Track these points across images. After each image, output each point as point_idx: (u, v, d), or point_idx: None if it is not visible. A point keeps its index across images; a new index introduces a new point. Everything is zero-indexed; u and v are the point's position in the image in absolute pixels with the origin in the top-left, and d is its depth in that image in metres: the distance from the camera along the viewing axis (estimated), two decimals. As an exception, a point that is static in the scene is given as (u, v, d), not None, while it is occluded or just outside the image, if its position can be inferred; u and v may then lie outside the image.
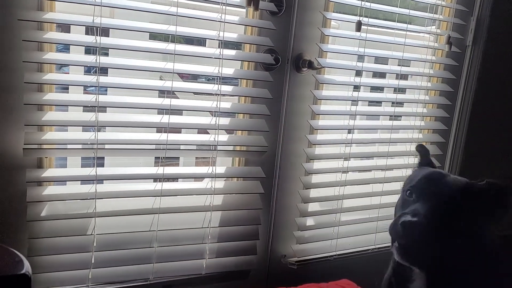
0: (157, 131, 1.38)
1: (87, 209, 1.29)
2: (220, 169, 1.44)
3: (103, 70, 1.26)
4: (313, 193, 1.63)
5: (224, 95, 1.38)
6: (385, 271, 1.91)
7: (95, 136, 1.25)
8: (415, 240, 0.89)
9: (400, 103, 1.79)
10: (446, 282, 0.96)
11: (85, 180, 1.30)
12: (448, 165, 1.94)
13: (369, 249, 1.78)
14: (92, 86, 1.25)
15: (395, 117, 1.77)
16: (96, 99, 1.23)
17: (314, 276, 1.70)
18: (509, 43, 1.98)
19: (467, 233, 0.93)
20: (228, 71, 1.38)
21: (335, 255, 1.69)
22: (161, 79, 1.40)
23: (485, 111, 1.98)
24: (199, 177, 1.43)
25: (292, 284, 1.66)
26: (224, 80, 1.37)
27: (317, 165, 1.62)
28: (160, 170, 1.36)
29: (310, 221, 1.65)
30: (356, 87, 1.65)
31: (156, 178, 1.37)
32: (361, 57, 1.59)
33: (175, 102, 1.32)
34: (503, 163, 2.13)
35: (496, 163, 2.11)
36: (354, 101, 1.63)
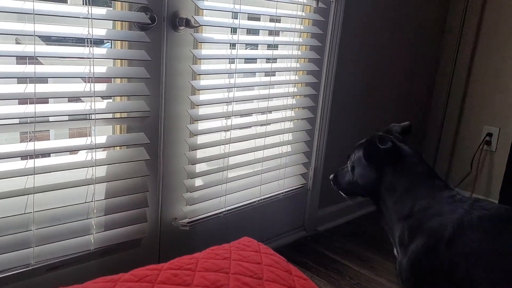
0: (19, 103, 1.22)
1: None
2: (100, 139, 1.35)
3: None
4: (200, 153, 1.63)
5: (97, 58, 1.27)
6: (276, 220, 2.04)
7: None
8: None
9: (274, 59, 1.84)
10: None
11: None
12: (320, 114, 2.09)
13: (255, 201, 1.88)
14: None
15: (271, 73, 1.82)
16: None
17: (207, 234, 1.75)
18: (366, -1, 2.16)
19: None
20: (100, 32, 1.26)
21: (225, 211, 1.75)
22: (18, 43, 1.22)
23: (348, 62, 2.16)
24: (77, 150, 1.32)
25: (185, 245, 1.68)
26: (96, 42, 1.25)
27: (201, 125, 1.62)
28: (30, 146, 1.21)
29: (198, 182, 1.65)
30: (233, 45, 1.65)
31: (26, 155, 1.23)
32: (236, 15, 1.59)
33: (40, 69, 1.17)
34: (363, 105, 2.38)
35: (357, 105, 2.35)
36: (232, 59, 1.63)
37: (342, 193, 1.47)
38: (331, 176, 1.51)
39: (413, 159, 1.29)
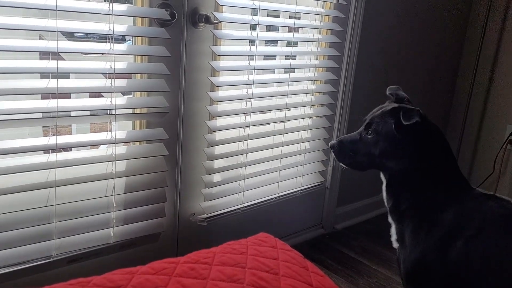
0: (42, 98, 1.24)
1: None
2: (120, 134, 1.36)
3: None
4: (218, 149, 1.64)
5: (118, 54, 1.28)
6: (294, 217, 2.01)
7: (-32, 107, 1.09)
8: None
9: (294, 56, 1.83)
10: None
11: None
12: (339, 111, 2.08)
13: (273, 198, 1.87)
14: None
15: (290, 69, 1.81)
16: (-36, 65, 1.06)
17: (224, 230, 1.75)
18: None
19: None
20: (121, 28, 1.27)
21: (243, 207, 1.75)
22: (42, 39, 1.25)
23: (368, 59, 2.14)
24: (98, 144, 1.34)
25: (203, 240, 1.69)
26: (117, 38, 1.27)
27: (220, 122, 1.62)
28: (52, 140, 1.24)
29: (216, 178, 1.66)
30: (252, 42, 1.65)
31: (48, 149, 1.25)
32: (255, 12, 1.58)
33: (63, 64, 1.20)
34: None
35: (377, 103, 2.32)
36: (251, 56, 1.63)
37: (344, 166, 1.29)
38: (333, 142, 1.30)
39: (443, 139, 1.22)
